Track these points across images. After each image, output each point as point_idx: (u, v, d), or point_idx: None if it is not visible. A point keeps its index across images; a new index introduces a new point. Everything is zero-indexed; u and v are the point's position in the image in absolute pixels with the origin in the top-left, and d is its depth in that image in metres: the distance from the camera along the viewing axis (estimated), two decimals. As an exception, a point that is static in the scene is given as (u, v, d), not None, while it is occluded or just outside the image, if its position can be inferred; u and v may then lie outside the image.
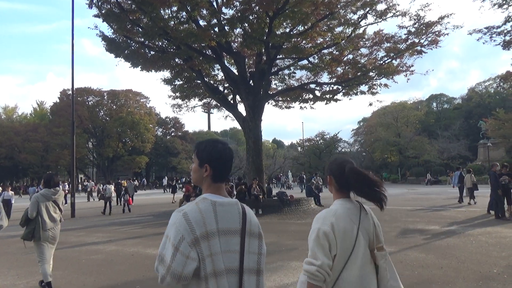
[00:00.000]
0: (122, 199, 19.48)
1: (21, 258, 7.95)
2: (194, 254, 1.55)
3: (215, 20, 14.80)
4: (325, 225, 1.92)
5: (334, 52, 17.24)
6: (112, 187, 18.73)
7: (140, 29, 15.13)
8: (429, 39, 16.33)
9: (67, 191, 24.24)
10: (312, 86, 19.60)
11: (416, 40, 16.38)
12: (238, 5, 14.30)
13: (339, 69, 18.19)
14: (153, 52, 16.43)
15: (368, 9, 15.48)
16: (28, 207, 5.51)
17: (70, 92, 18.77)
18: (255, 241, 1.75)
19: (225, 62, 17.83)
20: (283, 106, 22.32)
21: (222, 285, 1.58)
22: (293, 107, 22.67)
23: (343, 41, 16.04)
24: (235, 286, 1.62)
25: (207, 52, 16.53)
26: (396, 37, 16.74)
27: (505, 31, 17.74)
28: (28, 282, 6.13)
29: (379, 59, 17.58)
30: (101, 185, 29.99)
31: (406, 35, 16.38)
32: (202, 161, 1.75)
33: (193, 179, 1.83)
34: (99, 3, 14.73)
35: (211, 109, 25.82)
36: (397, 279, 2.00)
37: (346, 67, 18.03)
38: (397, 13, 15.75)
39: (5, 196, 15.91)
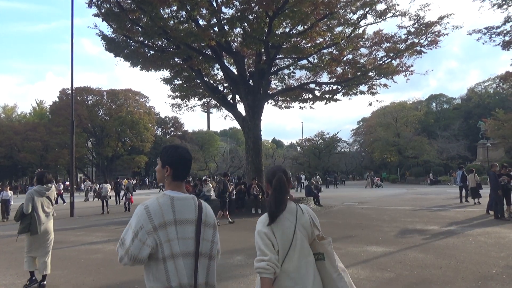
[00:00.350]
0: (124, 198, 19.66)
1: (20, 257, 7.92)
2: (150, 241, 1.86)
3: (214, 20, 14.78)
4: (263, 227, 2.20)
5: (333, 52, 17.25)
6: (108, 186, 18.91)
7: (139, 29, 15.11)
8: (429, 39, 16.33)
9: (61, 191, 23.97)
10: (312, 86, 19.60)
11: (416, 40, 16.38)
12: (237, 4, 14.29)
13: (338, 69, 18.20)
14: (153, 52, 16.41)
15: (367, 9, 15.47)
16: (22, 203, 5.75)
17: (70, 91, 18.76)
18: (210, 230, 2.08)
19: (225, 61, 17.82)
20: (283, 106, 22.33)
21: (179, 265, 1.90)
22: (293, 107, 22.69)
23: (342, 41, 16.03)
24: (191, 267, 1.93)
25: (206, 52, 16.52)
26: (395, 37, 16.75)
27: (505, 32, 17.75)
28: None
29: (378, 59, 17.58)
30: (97, 185, 30.26)
31: (406, 35, 16.39)
32: (164, 163, 2.06)
33: (157, 178, 2.15)
34: (99, 3, 14.70)
35: (211, 109, 25.81)
36: (339, 261, 2.31)
37: (346, 67, 18.03)
38: (397, 13, 15.75)
39: (4, 196, 15.81)
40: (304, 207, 2.36)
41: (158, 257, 1.88)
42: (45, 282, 5.77)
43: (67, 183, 28.72)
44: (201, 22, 15.33)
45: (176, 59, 17.02)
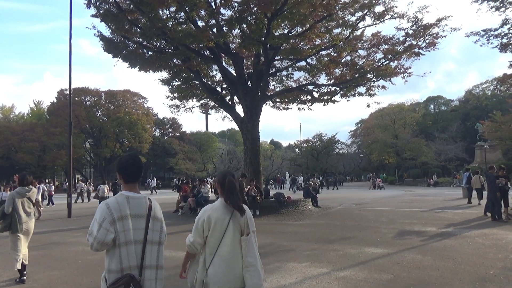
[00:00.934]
0: None
1: (17, 258, 7.90)
2: (112, 229, 2.41)
3: (213, 21, 14.78)
4: (204, 216, 2.87)
5: (332, 53, 17.27)
6: (106, 187, 19.66)
7: (138, 29, 15.10)
8: (427, 41, 16.37)
9: (52, 193, 23.59)
10: (310, 87, 19.62)
11: (414, 42, 16.43)
12: (236, 6, 14.29)
13: (337, 70, 18.21)
14: (151, 53, 16.39)
15: (366, 11, 15.51)
16: (4, 204, 6.23)
17: (68, 92, 18.74)
18: (158, 223, 2.65)
19: (223, 63, 17.81)
20: (281, 107, 22.34)
21: (130, 250, 2.46)
22: (291, 108, 22.70)
23: (341, 43, 16.05)
24: (139, 252, 2.50)
25: (205, 53, 16.52)
26: (394, 39, 16.78)
27: (502, 34, 17.82)
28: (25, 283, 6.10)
29: (377, 60, 17.62)
30: (91, 186, 30.54)
31: (404, 37, 16.42)
32: (117, 170, 2.63)
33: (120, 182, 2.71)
34: (97, 3, 14.69)
35: (209, 110, 25.77)
36: (255, 256, 2.84)
37: (344, 69, 18.06)
38: (395, 15, 15.79)
39: (3, 197, 15.09)
40: (246, 208, 2.97)
41: (116, 244, 2.42)
42: (25, 272, 6.27)
43: (52, 185, 28.26)
44: (200, 23, 15.34)
45: (174, 60, 17.01)
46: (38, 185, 15.71)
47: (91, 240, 2.41)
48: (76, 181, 51.83)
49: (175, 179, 47.81)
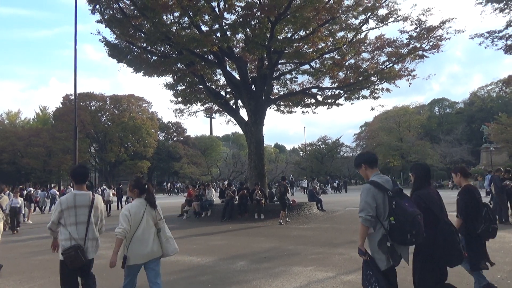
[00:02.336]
0: (126, 202, 20.72)
1: (23, 263, 7.95)
2: (61, 215, 4.13)
3: (217, 26, 14.84)
4: (126, 210, 4.21)
5: (335, 56, 17.25)
6: (111, 191, 20.13)
7: (142, 35, 15.19)
8: (431, 43, 16.32)
9: (38, 198, 22.65)
10: (314, 90, 19.60)
11: (418, 45, 16.38)
12: (240, 10, 14.34)
13: (340, 73, 18.19)
14: (156, 57, 16.48)
15: (369, 14, 15.50)
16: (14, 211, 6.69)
17: (73, 97, 18.87)
18: (98, 211, 4.36)
19: (227, 67, 17.86)
20: (285, 111, 22.31)
21: (78, 228, 4.14)
22: (295, 111, 22.64)
23: (344, 46, 16.05)
24: (84, 229, 4.17)
25: (209, 57, 16.58)
26: (397, 41, 16.74)
27: (507, 36, 17.72)
28: (30, 287, 6.12)
29: (380, 63, 17.57)
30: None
31: (408, 40, 16.39)
32: (70, 176, 4.35)
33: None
34: (102, 9, 14.81)
35: (213, 114, 25.80)
36: (169, 232, 4.50)
37: (348, 72, 18.03)
38: (399, 18, 15.76)
39: (13, 203, 13.63)
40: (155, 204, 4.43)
41: (64, 224, 4.16)
42: None
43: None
44: (204, 28, 15.40)
45: (178, 65, 17.08)
46: (8, 192, 15.02)
47: (49, 223, 4.22)
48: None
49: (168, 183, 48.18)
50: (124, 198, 21.71)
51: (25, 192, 19.39)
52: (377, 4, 15.06)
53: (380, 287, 3.33)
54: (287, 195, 14.10)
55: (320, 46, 16.05)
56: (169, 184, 53.75)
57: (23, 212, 14.41)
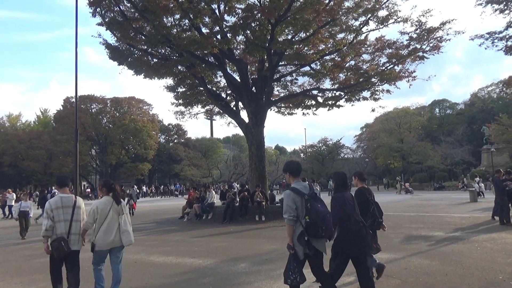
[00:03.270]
0: (127, 204, 20.80)
1: (25, 265, 7.95)
2: (51, 214, 5.00)
3: (217, 28, 14.86)
4: (94, 206, 5.14)
5: (336, 58, 17.26)
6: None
7: (143, 37, 15.22)
8: (431, 44, 16.32)
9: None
10: (315, 92, 19.61)
11: (418, 46, 16.38)
12: (240, 12, 14.37)
13: (341, 75, 18.20)
14: (156, 60, 16.50)
15: (369, 15, 15.52)
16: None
17: (74, 99, 18.89)
18: (80, 210, 5.22)
19: (228, 69, 17.88)
20: (286, 113, 22.32)
21: (63, 224, 5.03)
22: (296, 113, 22.65)
23: (345, 47, 16.06)
24: (68, 225, 5.05)
25: (209, 59, 16.60)
26: (398, 43, 16.75)
27: (507, 36, 17.73)
28: (31, 290, 6.12)
29: (381, 65, 17.58)
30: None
31: (408, 41, 16.39)
32: (55, 183, 5.89)
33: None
34: (103, 12, 14.84)
35: (214, 116, 25.83)
36: (127, 225, 5.32)
37: (348, 73, 18.04)
38: (399, 19, 15.77)
39: (22, 207, 13.07)
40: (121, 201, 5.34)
41: (54, 220, 4.98)
42: None
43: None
44: (204, 30, 15.43)
45: (179, 67, 17.11)
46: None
47: (44, 220, 5.07)
48: (82, 188, 52.13)
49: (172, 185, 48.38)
50: (126, 200, 21.78)
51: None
52: (377, 6, 15.07)
53: (299, 275, 4.22)
54: None
55: (321, 48, 16.06)
56: (162, 186, 53.85)
57: (30, 215, 13.69)
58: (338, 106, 19.71)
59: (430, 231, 10.64)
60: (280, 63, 17.36)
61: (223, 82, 19.66)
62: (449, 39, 16.05)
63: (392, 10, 15.46)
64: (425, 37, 16.04)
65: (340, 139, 64.59)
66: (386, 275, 6.15)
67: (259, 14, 13.71)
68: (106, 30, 15.49)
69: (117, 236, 5.17)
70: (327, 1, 13.88)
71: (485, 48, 18.55)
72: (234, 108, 19.18)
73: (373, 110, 29.22)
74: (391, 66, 17.20)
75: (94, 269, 5.28)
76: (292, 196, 4.32)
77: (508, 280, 5.65)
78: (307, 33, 15.12)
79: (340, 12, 14.81)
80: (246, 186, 17.90)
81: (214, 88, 19.65)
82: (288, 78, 19.50)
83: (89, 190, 49.33)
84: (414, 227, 11.58)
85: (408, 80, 17.40)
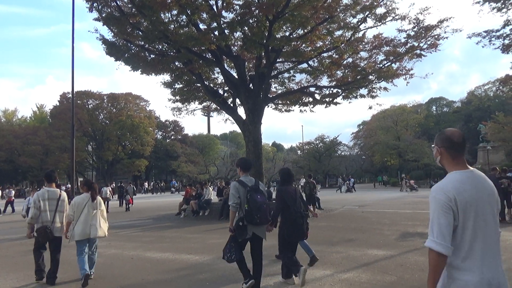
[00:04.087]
0: (124, 200, 21.79)
1: (20, 261, 7.93)
2: (39, 204, 5.93)
3: (215, 24, 14.82)
4: (73, 201, 6.10)
5: (333, 55, 17.26)
6: (108, 189, 20.71)
7: (140, 33, 15.15)
8: (429, 42, 16.35)
9: (13, 199, 21.72)
10: (312, 89, 19.61)
11: (416, 44, 16.40)
12: (238, 9, 14.32)
13: (338, 72, 18.20)
14: (153, 56, 16.44)
15: (367, 13, 15.50)
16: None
17: (70, 95, 18.79)
18: (63, 203, 6.17)
19: (225, 65, 17.84)
20: (283, 110, 22.32)
21: (48, 214, 5.96)
22: (293, 110, 22.70)
23: (342, 45, 16.06)
24: (52, 215, 5.98)
25: (207, 56, 16.55)
26: (395, 40, 16.75)
27: (504, 35, 17.75)
28: (27, 286, 6.12)
29: (378, 62, 17.59)
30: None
31: (406, 39, 16.40)
32: (44, 177, 6.30)
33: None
34: (99, 7, 14.75)
35: (211, 113, 25.77)
36: (97, 220, 6.17)
37: (346, 71, 18.05)
38: (397, 17, 15.78)
39: (30, 203, 13.33)
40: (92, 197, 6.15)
41: (40, 210, 5.90)
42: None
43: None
44: (202, 26, 15.38)
45: (176, 63, 17.05)
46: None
47: (30, 212, 5.90)
48: (78, 183, 51.94)
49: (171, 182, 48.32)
50: (124, 194, 22.23)
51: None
52: (375, 3, 15.06)
53: (235, 253, 4.92)
54: (315, 190, 16.26)
55: (318, 45, 16.05)
56: (146, 182, 53.43)
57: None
58: (336, 104, 19.73)
59: (426, 228, 10.64)
60: (278, 60, 17.34)
61: (220, 78, 19.63)
62: (447, 37, 16.12)
63: (390, 8, 15.46)
64: (423, 35, 16.06)
65: (337, 136, 64.69)
66: (382, 272, 6.19)
67: (257, 11, 13.67)
68: (103, 25, 15.41)
69: (91, 229, 6.08)
70: (325, -2, 13.86)
71: (482, 47, 18.57)
72: (231, 105, 19.15)
73: (370, 108, 29.40)
74: (389, 63, 17.22)
75: (77, 259, 6.00)
76: (237, 186, 5.00)
77: (502, 277, 5.69)
78: (305, 30, 15.10)
79: (338, 9, 14.79)
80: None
81: (211, 85, 19.60)
82: (286, 75, 19.48)
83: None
84: (410, 224, 11.64)
85: (405, 77, 17.43)
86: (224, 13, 14.89)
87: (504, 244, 8.26)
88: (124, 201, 21.87)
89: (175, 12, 14.42)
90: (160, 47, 16.52)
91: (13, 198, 21.86)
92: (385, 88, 18.44)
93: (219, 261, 7.37)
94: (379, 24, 16.16)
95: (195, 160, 56.22)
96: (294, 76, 19.78)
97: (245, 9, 13.80)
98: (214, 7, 14.68)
